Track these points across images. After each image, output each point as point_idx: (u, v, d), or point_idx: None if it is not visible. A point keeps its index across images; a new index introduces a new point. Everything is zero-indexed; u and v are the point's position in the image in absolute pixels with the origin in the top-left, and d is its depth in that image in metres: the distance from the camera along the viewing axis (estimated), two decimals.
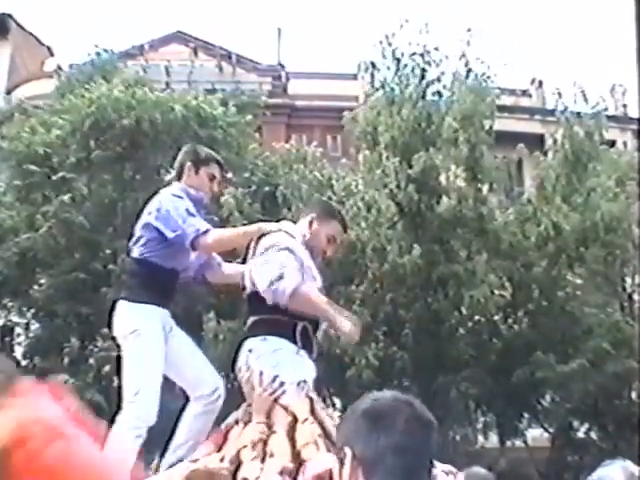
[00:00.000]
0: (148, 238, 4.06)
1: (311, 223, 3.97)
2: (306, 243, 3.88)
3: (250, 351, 3.72)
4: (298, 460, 3.11)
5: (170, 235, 3.94)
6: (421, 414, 1.72)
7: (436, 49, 14.05)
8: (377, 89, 14.69)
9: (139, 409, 3.86)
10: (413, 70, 14.15)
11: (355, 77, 17.81)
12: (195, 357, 4.18)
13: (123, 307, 4.07)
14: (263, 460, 3.16)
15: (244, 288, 3.90)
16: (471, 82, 14.09)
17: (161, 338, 3.99)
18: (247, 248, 3.93)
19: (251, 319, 3.84)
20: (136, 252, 4.12)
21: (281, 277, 3.58)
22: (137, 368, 3.95)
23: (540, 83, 23.94)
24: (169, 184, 4.45)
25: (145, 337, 3.96)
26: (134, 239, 4.16)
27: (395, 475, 1.63)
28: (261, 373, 3.54)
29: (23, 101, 16.54)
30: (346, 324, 3.62)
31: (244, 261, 3.99)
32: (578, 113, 14.58)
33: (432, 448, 1.72)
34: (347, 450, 1.69)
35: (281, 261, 3.64)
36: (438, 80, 14.34)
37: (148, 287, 4.03)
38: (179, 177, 4.24)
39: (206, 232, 3.90)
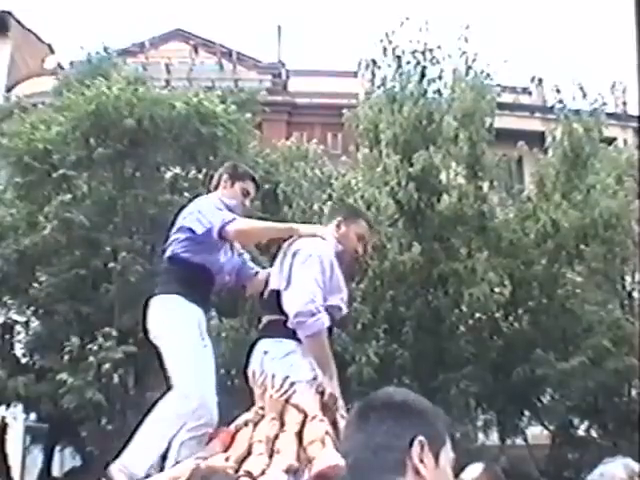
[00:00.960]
0: (181, 239, 4.11)
1: (339, 226, 4.01)
2: (336, 247, 3.89)
3: (265, 353, 3.69)
4: (305, 457, 3.11)
5: (200, 230, 3.99)
6: (372, 400, 1.66)
7: (439, 47, 14.06)
8: (378, 87, 14.68)
9: (198, 407, 3.75)
10: (415, 67, 14.15)
11: (355, 75, 17.79)
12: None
13: (155, 301, 4.08)
14: (271, 456, 3.17)
15: (266, 285, 3.93)
16: (471, 80, 14.08)
17: (196, 328, 3.95)
18: (278, 248, 3.96)
19: (266, 318, 3.83)
20: (168, 252, 4.19)
21: (312, 314, 3.56)
22: (181, 361, 3.90)
23: (540, 81, 23.92)
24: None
25: (181, 326, 3.94)
26: (168, 242, 4.22)
27: (349, 468, 1.64)
28: (273, 376, 3.53)
29: (21, 99, 16.50)
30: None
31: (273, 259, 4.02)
32: (577, 110, 14.59)
33: (391, 429, 1.59)
34: None
35: (311, 290, 3.61)
36: (439, 78, 14.34)
37: (179, 281, 4.03)
38: (216, 188, 4.36)
39: (232, 220, 3.96)
